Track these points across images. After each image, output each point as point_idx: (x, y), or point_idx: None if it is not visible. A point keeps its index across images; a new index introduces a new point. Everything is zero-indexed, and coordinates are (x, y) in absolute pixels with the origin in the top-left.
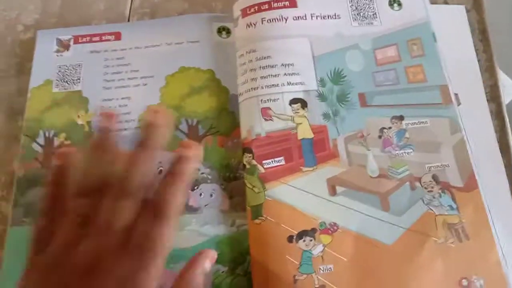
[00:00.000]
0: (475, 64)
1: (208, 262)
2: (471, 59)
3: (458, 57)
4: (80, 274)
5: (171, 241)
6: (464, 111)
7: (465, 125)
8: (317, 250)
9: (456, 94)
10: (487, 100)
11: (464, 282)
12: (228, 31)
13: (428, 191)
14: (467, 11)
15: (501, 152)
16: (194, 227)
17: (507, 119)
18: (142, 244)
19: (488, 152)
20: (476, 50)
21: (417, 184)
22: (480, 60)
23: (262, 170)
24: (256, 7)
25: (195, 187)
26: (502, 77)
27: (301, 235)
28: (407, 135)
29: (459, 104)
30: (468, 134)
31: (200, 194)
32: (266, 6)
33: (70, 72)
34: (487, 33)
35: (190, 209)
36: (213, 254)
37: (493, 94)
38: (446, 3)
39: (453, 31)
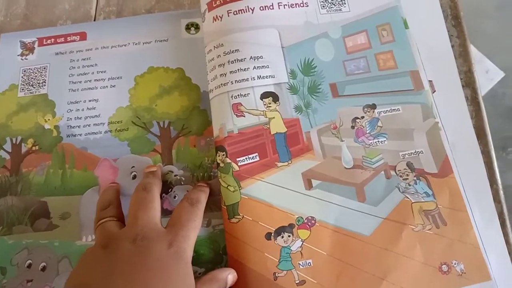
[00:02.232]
0: (449, 50)
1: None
2: (445, 45)
3: (432, 43)
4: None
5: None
6: (439, 97)
7: (440, 112)
8: (295, 246)
9: (430, 81)
10: (462, 86)
11: (444, 268)
12: (197, 27)
13: (403, 179)
14: None
15: (477, 137)
16: None
17: (482, 105)
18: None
19: (465, 138)
20: (450, 36)
21: (392, 172)
22: (453, 46)
23: (237, 168)
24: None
25: (169, 190)
26: (486, 62)
27: (279, 231)
28: (380, 123)
29: (433, 91)
30: (443, 120)
31: (174, 197)
32: None
33: (35, 75)
34: (460, 18)
35: (164, 212)
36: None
37: (467, 80)
38: None
39: (425, 16)
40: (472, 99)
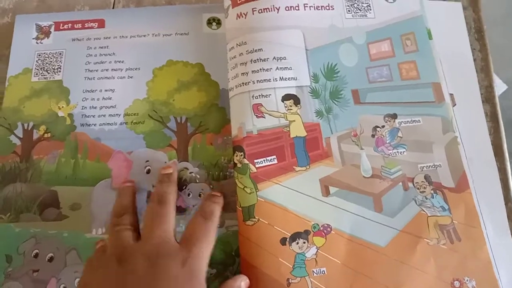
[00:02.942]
0: (470, 63)
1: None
2: (467, 58)
3: (454, 55)
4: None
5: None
6: (459, 112)
7: (460, 126)
8: (310, 253)
9: (451, 94)
10: (482, 101)
11: (456, 284)
12: (219, 22)
13: (420, 192)
14: (464, 8)
15: (494, 154)
16: (182, 228)
17: (501, 121)
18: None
19: (482, 153)
20: (472, 50)
21: (410, 184)
22: (475, 60)
23: (254, 170)
24: None
25: (184, 187)
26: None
27: (294, 237)
28: (400, 134)
29: (454, 104)
30: (462, 135)
31: (189, 194)
32: None
33: (50, 61)
34: (483, 32)
35: (178, 210)
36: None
37: (487, 95)
38: None
39: (449, 28)
40: (492, 115)
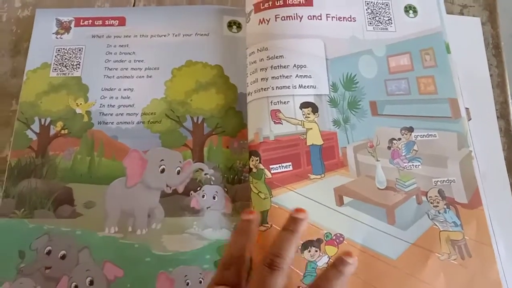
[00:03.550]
0: (487, 78)
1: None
2: (484, 74)
3: (471, 70)
4: None
5: None
6: (474, 126)
7: (474, 141)
8: (322, 261)
9: (467, 109)
10: (497, 117)
11: None
12: (239, 26)
13: (433, 206)
14: (482, 24)
15: (507, 170)
16: (195, 230)
17: None
18: None
19: (495, 168)
20: (489, 65)
21: (424, 198)
22: (492, 75)
23: (269, 175)
24: (270, 3)
25: (198, 188)
26: None
27: (307, 245)
28: (415, 147)
29: (469, 119)
30: (476, 150)
31: (203, 196)
32: (281, 2)
33: (70, 56)
34: (501, 48)
35: (191, 211)
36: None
37: (503, 111)
38: (462, 14)
39: (467, 43)
40: (506, 131)
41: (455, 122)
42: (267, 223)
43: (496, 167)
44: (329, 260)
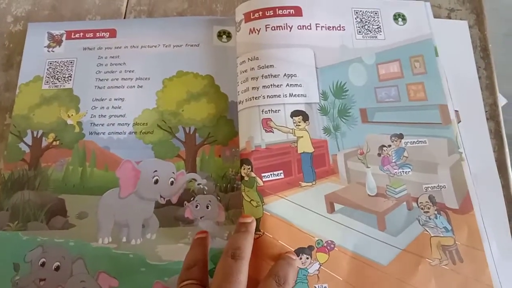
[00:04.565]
0: (475, 81)
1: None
2: (472, 76)
3: (460, 73)
4: None
5: None
6: (464, 128)
7: (464, 142)
8: (313, 268)
9: (456, 111)
10: (487, 119)
11: None
12: (229, 35)
13: (424, 212)
14: (470, 27)
15: (498, 171)
16: (189, 240)
17: (505, 139)
18: None
19: (486, 170)
20: (478, 68)
21: (414, 204)
22: (480, 78)
23: (261, 183)
24: (261, 13)
25: (192, 198)
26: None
27: (298, 252)
28: (405, 154)
29: (459, 121)
30: (467, 151)
31: (196, 206)
32: (271, 13)
33: (61, 69)
34: (489, 51)
35: (186, 221)
36: None
37: (492, 113)
38: (449, 17)
39: (455, 46)
40: (496, 133)
41: (445, 128)
42: (260, 231)
43: (487, 168)
44: (320, 267)
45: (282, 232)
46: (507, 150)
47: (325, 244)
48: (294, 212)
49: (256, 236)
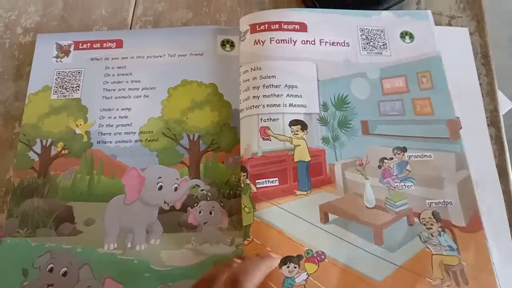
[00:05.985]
0: (476, 87)
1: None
2: (473, 82)
3: (460, 79)
4: None
5: None
6: (465, 134)
7: (465, 148)
8: (300, 278)
9: (457, 118)
10: (487, 125)
11: None
12: (232, 44)
13: (427, 228)
14: (470, 34)
15: (499, 176)
16: (192, 245)
17: (506, 145)
18: None
19: (487, 176)
20: (479, 74)
21: (416, 219)
22: (481, 84)
23: (254, 190)
24: (266, 25)
25: (195, 204)
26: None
27: (286, 260)
28: (408, 167)
29: (460, 127)
30: (468, 157)
31: (200, 212)
32: (277, 26)
33: (70, 79)
34: (489, 57)
35: (189, 226)
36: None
37: (493, 119)
38: (450, 25)
39: (456, 53)
40: (496, 138)
41: (454, 143)
42: (249, 237)
43: (488, 174)
44: (308, 277)
45: (271, 239)
46: (508, 156)
47: (315, 255)
48: (286, 220)
49: (246, 242)
